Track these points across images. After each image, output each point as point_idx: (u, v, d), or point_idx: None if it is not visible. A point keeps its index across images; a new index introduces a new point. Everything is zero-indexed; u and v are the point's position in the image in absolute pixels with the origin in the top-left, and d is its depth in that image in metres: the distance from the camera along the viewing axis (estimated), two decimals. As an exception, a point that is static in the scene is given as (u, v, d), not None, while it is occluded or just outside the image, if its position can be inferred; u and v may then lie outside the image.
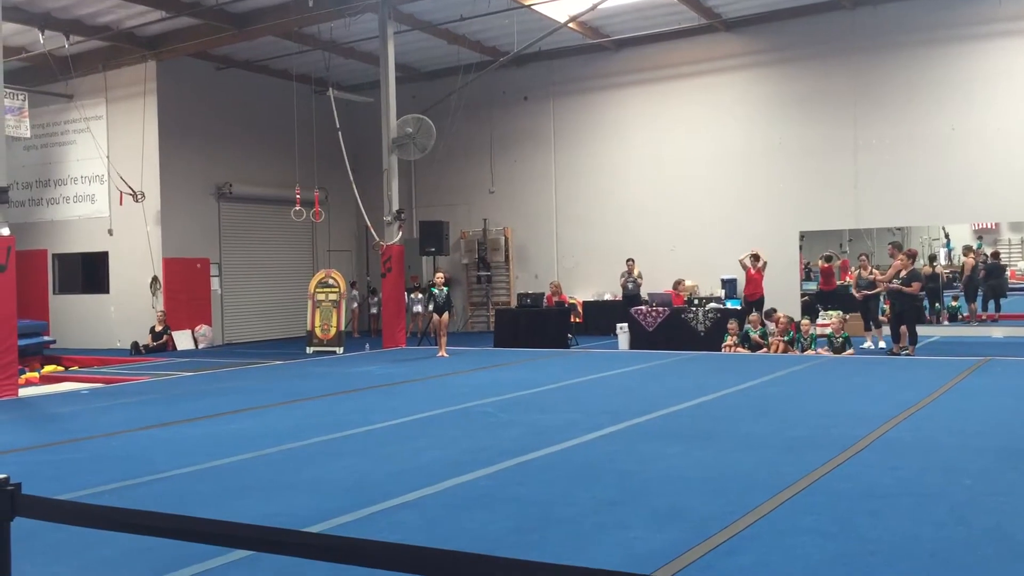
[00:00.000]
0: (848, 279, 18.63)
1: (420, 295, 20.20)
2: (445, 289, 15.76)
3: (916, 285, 13.96)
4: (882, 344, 14.99)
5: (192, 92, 20.25)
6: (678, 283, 18.04)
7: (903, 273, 14.00)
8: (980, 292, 17.81)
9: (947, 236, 18.59)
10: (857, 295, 15.49)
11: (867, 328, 15.64)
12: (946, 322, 18.00)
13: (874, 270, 15.45)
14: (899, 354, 13.93)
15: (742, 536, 4.75)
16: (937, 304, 18.19)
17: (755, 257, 16.89)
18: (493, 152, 22.14)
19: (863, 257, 15.78)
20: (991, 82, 16.83)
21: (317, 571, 3.98)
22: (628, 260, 19.09)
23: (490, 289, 22.34)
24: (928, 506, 5.25)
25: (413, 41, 19.63)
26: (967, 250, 17.90)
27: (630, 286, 18.74)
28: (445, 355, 15.32)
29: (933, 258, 18.25)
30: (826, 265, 18.69)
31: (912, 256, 14.63)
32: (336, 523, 5.17)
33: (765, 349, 14.91)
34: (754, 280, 16.82)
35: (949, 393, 9.82)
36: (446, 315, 15.77)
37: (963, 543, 4.59)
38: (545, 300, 18.99)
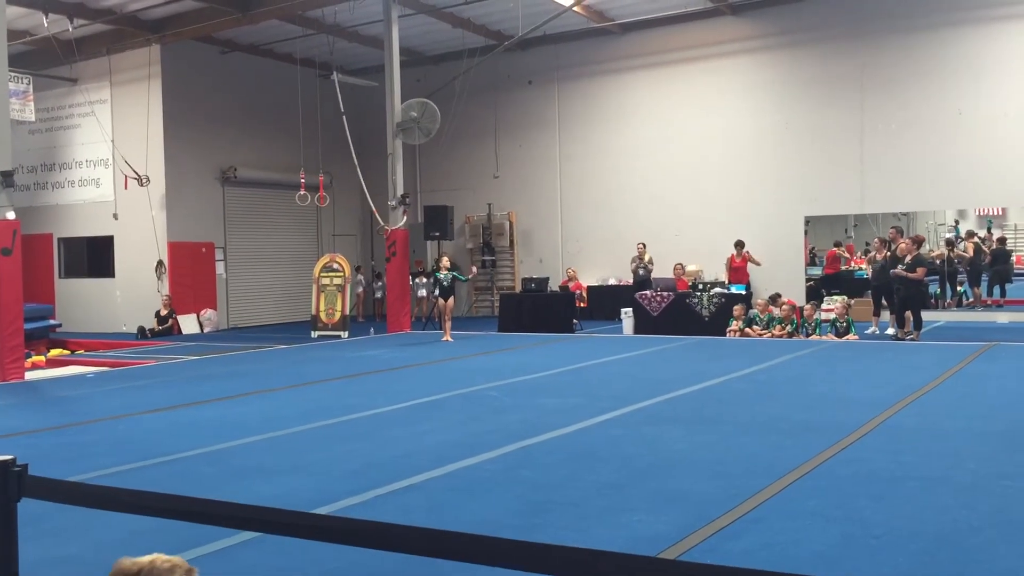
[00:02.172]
0: (855, 264, 18.58)
1: (424, 279, 20.21)
2: (450, 274, 15.75)
3: (921, 271, 13.92)
4: (890, 330, 14.89)
5: (196, 76, 20.20)
6: (676, 267, 17.90)
7: (908, 258, 13.95)
8: (985, 277, 17.75)
9: (956, 223, 18.49)
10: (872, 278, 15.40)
11: (875, 313, 15.59)
12: (954, 307, 17.94)
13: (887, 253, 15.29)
14: (904, 339, 13.92)
15: (745, 519, 4.77)
16: (958, 288, 18.02)
17: (740, 244, 16.92)
18: (498, 136, 22.07)
19: (877, 241, 15.56)
20: (999, 66, 16.70)
21: (323, 553, 4.00)
22: (639, 244, 18.81)
23: (494, 274, 22.31)
24: (932, 490, 5.26)
25: (417, 25, 19.54)
26: (969, 235, 17.85)
27: (640, 271, 18.44)
28: (450, 339, 15.34)
29: (950, 243, 18.15)
30: (832, 250, 18.63)
31: (918, 242, 14.55)
32: (341, 506, 5.19)
33: (769, 334, 14.90)
34: (739, 269, 16.83)
35: (954, 378, 9.81)
36: (451, 299, 15.78)
37: (967, 527, 4.59)
38: (560, 285, 19.18)
